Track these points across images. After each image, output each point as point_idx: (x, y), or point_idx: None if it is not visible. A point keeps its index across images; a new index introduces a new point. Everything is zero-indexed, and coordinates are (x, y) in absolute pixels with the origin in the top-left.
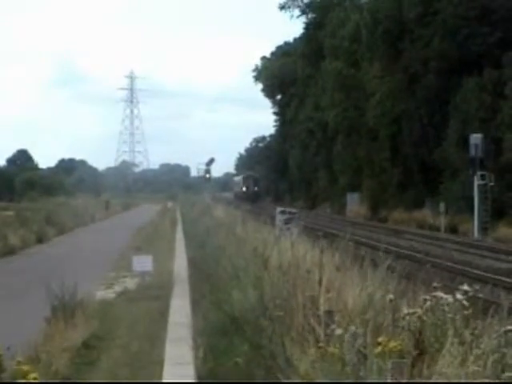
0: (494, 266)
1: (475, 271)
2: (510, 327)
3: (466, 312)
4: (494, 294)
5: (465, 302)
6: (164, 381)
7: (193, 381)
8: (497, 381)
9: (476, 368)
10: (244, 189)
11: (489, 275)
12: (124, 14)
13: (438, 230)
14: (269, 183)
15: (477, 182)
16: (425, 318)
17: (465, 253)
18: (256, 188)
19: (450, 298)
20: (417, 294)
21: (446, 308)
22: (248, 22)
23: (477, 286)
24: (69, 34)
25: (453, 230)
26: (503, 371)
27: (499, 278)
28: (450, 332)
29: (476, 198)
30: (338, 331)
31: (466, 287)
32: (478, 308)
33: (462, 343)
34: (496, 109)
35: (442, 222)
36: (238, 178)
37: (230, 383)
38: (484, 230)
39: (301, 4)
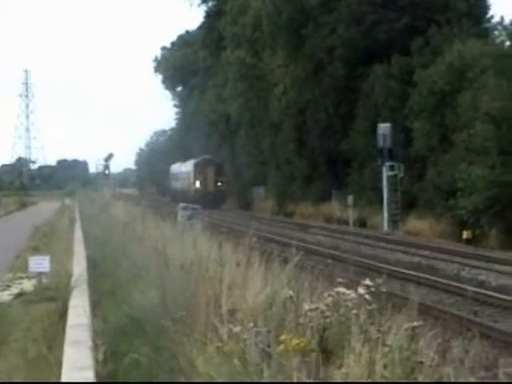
0: (404, 260)
1: (384, 265)
2: (416, 323)
3: (370, 307)
4: (404, 288)
5: (367, 297)
6: None
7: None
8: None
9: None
10: (198, 185)
11: (398, 269)
12: (18, 8)
13: (346, 223)
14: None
15: (386, 173)
16: (328, 313)
17: (374, 247)
18: (219, 183)
19: (352, 294)
20: (322, 289)
21: (349, 304)
22: (150, 12)
23: (381, 281)
24: None
25: (362, 223)
26: (413, 369)
27: (408, 272)
28: (355, 329)
29: (385, 190)
30: (237, 329)
31: (368, 282)
32: (385, 303)
33: (367, 340)
34: (405, 97)
35: (351, 215)
36: (183, 167)
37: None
38: (394, 222)
39: None
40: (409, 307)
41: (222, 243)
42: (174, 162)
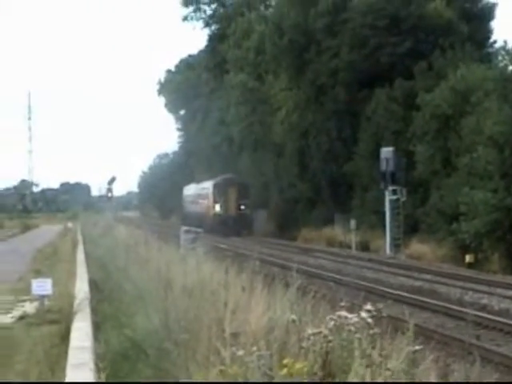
0: (406, 284)
1: (387, 289)
2: (417, 347)
3: (372, 331)
4: (406, 312)
5: (369, 321)
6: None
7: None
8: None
9: None
10: (218, 209)
11: (401, 293)
12: (18, 31)
13: (349, 247)
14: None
15: (388, 197)
16: (330, 337)
17: (376, 270)
18: (243, 206)
19: (355, 318)
20: (325, 313)
21: (352, 328)
22: (155, 35)
23: (383, 305)
24: None
25: (364, 247)
26: None
27: (411, 296)
28: (357, 353)
29: (388, 214)
30: (241, 352)
31: (370, 306)
32: (387, 327)
33: (370, 365)
34: (408, 121)
35: (353, 239)
36: (200, 188)
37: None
38: (396, 246)
39: (204, 16)
40: (411, 331)
41: (228, 267)
42: (184, 185)
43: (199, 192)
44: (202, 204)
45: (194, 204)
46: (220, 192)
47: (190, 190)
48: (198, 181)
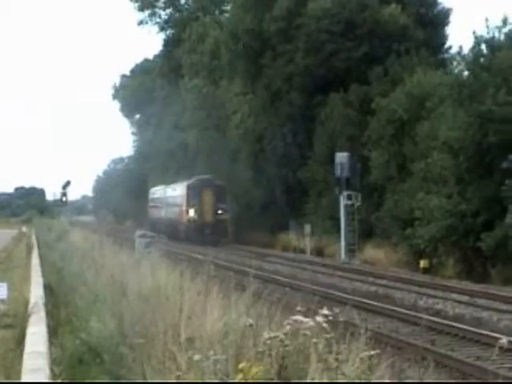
0: (360, 289)
1: (342, 294)
2: (373, 352)
3: (327, 336)
4: (361, 317)
5: (325, 325)
6: None
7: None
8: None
9: None
10: (192, 214)
11: (356, 298)
12: None
13: (303, 252)
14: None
15: (343, 202)
16: (287, 342)
17: (331, 276)
18: (220, 211)
19: (310, 322)
20: (281, 318)
21: (308, 332)
22: (110, 40)
23: (338, 310)
24: None
25: (319, 252)
26: None
27: (365, 301)
28: (314, 357)
29: (342, 219)
30: (197, 357)
31: (325, 311)
32: (342, 332)
33: (326, 369)
34: (363, 126)
35: (308, 244)
36: (170, 190)
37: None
38: (351, 251)
39: (159, 20)
40: (366, 336)
41: (182, 272)
42: (140, 189)
43: (169, 195)
44: (174, 209)
45: (163, 209)
46: (195, 195)
47: (157, 192)
48: (156, 184)
